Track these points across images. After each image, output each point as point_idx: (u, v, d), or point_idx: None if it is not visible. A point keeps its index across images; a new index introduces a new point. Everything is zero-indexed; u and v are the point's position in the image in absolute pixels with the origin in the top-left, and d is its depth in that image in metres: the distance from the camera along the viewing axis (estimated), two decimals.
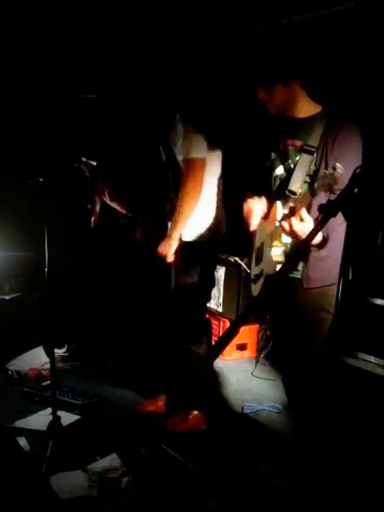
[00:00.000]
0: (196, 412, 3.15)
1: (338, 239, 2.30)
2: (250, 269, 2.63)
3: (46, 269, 2.68)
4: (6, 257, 3.88)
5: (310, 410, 2.41)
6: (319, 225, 1.90)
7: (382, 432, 2.63)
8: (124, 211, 4.18)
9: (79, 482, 2.47)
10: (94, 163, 4.09)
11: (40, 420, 3.01)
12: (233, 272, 4.35)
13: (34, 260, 3.64)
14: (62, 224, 3.73)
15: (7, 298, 4.09)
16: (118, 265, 4.26)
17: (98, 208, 4.16)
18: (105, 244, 4.31)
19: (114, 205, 4.17)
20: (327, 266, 2.35)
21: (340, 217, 1.85)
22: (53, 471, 2.53)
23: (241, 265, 4.23)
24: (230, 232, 3.23)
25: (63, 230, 3.64)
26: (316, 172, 2.21)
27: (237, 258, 4.28)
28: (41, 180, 2.66)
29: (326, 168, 2.23)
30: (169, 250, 3.00)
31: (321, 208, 2.32)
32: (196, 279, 3.09)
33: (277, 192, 2.43)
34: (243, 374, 4.06)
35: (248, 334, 4.45)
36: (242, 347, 4.44)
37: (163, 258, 3.02)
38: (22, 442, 2.79)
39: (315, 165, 2.25)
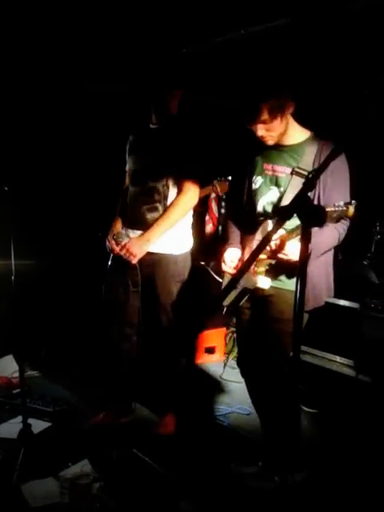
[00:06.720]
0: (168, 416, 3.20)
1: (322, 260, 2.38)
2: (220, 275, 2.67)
3: (13, 277, 2.64)
4: None
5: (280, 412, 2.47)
6: (278, 227, 1.97)
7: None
8: None
9: (51, 490, 2.47)
10: None
11: (10, 428, 2.99)
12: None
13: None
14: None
15: None
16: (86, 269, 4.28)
17: None
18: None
19: None
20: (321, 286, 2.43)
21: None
22: (24, 480, 2.52)
23: (207, 269, 4.29)
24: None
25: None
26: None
27: (202, 263, 4.35)
28: (5, 189, 2.65)
29: (320, 196, 2.31)
30: (140, 251, 2.92)
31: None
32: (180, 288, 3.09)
33: (269, 215, 2.46)
34: (212, 377, 4.11)
35: (216, 337, 4.52)
36: (210, 350, 4.50)
37: (128, 257, 2.93)
38: None
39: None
